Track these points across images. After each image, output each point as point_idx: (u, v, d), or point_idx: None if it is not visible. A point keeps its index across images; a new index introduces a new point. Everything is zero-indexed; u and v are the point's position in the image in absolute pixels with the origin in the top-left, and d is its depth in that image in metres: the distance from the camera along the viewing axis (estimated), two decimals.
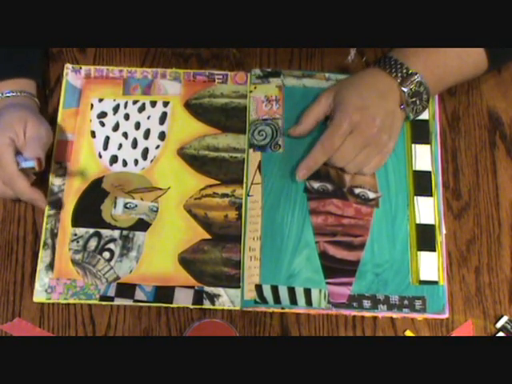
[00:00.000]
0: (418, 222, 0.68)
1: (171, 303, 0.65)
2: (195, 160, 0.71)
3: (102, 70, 0.74)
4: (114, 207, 0.69)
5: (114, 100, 0.73)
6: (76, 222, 0.68)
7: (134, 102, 0.73)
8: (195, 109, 0.73)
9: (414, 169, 0.70)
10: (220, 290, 0.66)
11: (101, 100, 0.73)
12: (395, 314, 0.65)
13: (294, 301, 0.65)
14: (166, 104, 0.73)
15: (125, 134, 0.72)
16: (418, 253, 0.67)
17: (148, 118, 0.72)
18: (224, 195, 0.69)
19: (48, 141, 0.66)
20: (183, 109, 0.72)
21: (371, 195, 0.69)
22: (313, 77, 0.73)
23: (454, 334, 0.65)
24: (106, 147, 0.71)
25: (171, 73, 0.74)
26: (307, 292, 0.65)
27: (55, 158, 0.70)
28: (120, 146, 0.71)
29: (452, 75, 0.67)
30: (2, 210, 0.68)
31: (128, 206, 0.69)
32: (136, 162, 0.70)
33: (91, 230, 0.68)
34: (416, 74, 0.64)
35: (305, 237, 0.67)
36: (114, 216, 0.68)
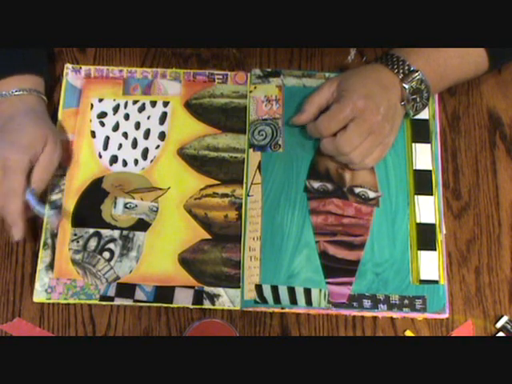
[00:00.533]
0: (418, 221, 0.68)
1: (171, 303, 0.65)
2: (195, 160, 0.71)
3: (102, 69, 0.74)
4: (114, 207, 0.69)
5: (114, 100, 0.73)
6: (76, 222, 0.68)
7: (134, 102, 0.73)
8: (195, 109, 0.73)
9: (414, 168, 0.70)
10: (220, 290, 0.66)
11: (101, 100, 0.73)
12: (395, 314, 0.65)
13: (293, 301, 0.65)
14: (165, 104, 0.73)
15: (125, 134, 0.72)
16: (419, 252, 0.67)
17: (148, 118, 0.72)
18: (224, 195, 0.69)
19: (56, 165, 0.65)
20: (183, 109, 0.72)
21: (371, 194, 0.69)
22: (313, 77, 0.73)
23: (454, 334, 0.65)
24: (106, 147, 0.71)
25: (171, 73, 0.74)
26: (307, 292, 0.65)
27: None
28: (120, 146, 0.71)
29: (453, 73, 0.67)
30: None
31: (128, 206, 0.69)
32: (136, 162, 0.70)
33: (91, 230, 0.68)
34: (417, 71, 0.64)
35: (305, 236, 0.67)
36: (114, 216, 0.68)
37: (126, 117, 0.72)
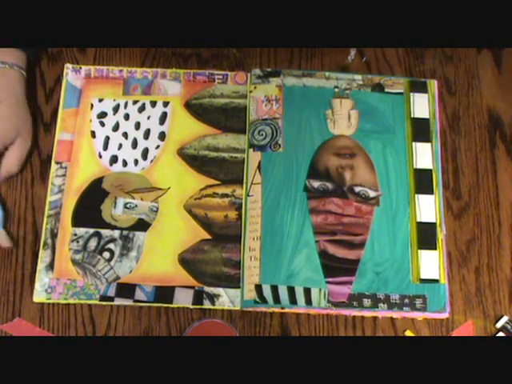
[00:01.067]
0: (418, 220, 0.68)
1: (171, 303, 0.65)
2: (195, 160, 0.71)
3: (102, 69, 0.74)
4: (114, 207, 0.69)
5: (114, 100, 0.73)
6: (76, 222, 0.68)
7: (134, 102, 0.73)
8: (195, 109, 0.73)
9: (414, 167, 0.70)
10: (220, 290, 0.66)
11: (101, 100, 0.73)
12: (396, 313, 0.65)
13: (293, 300, 0.65)
14: (166, 104, 0.73)
15: (125, 134, 0.71)
16: (419, 251, 0.67)
17: (148, 118, 0.72)
18: (224, 195, 0.69)
19: (24, 157, 0.69)
20: (183, 109, 0.72)
21: (372, 194, 0.69)
22: (313, 76, 0.73)
23: (454, 334, 0.65)
24: (105, 147, 0.71)
25: (171, 73, 0.74)
26: (307, 291, 0.65)
27: (55, 157, 0.70)
28: (120, 146, 0.71)
29: None
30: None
31: (128, 206, 0.69)
32: (136, 162, 0.70)
33: (91, 230, 0.68)
34: None
35: (305, 236, 0.67)
36: (114, 216, 0.68)
37: (126, 117, 0.72)
